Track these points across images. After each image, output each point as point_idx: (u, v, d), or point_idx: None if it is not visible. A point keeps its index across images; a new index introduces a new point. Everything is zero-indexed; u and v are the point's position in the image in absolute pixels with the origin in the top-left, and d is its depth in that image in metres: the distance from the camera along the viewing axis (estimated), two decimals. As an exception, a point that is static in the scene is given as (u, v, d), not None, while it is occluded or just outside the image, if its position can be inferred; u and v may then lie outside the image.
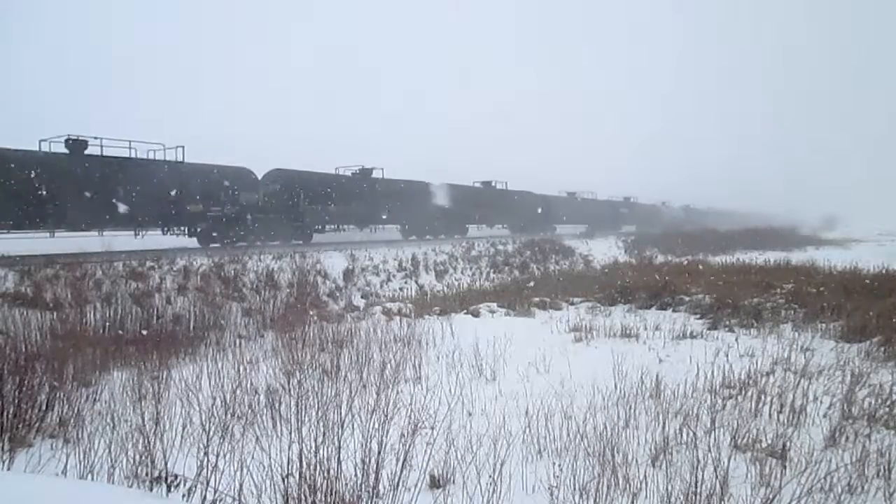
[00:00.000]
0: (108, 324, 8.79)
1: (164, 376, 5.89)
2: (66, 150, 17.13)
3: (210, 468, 3.28)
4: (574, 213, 41.81)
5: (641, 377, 5.75)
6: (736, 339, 8.01)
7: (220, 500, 3.21)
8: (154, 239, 19.43)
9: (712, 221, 52.08)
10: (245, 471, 3.26)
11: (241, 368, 6.10)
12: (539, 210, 38.09)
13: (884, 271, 13.33)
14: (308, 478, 3.11)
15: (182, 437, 4.42)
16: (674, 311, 10.59)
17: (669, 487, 3.39)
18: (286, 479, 3.15)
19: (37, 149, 16.68)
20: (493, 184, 35.81)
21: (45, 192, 15.96)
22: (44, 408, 4.75)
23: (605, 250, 28.90)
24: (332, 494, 3.11)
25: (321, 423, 3.81)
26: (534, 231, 34.75)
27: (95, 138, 17.54)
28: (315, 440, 3.29)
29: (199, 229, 20.54)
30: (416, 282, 18.72)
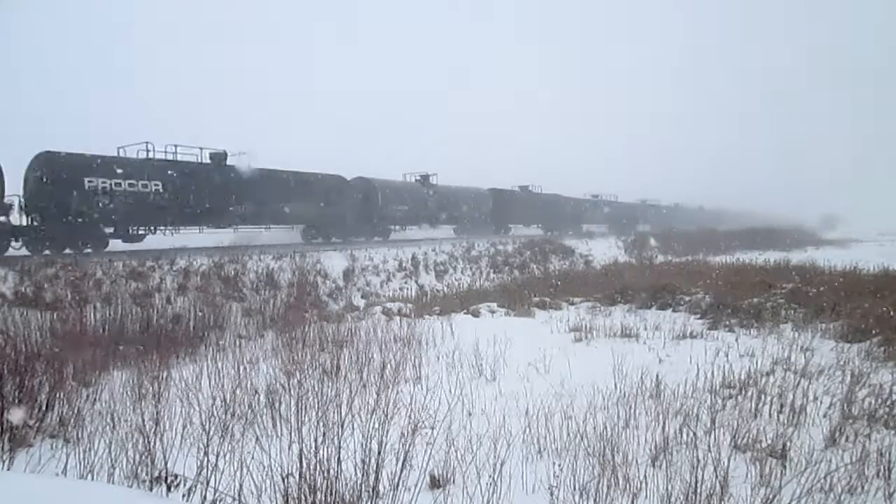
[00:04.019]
0: (108, 324, 8.78)
1: (164, 376, 5.88)
2: None
3: (210, 468, 3.29)
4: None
5: (641, 377, 5.75)
6: (736, 339, 8.01)
7: (220, 500, 3.21)
8: None
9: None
10: (245, 471, 3.26)
11: (241, 368, 6.09)
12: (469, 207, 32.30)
13: (883, 271, 13.33)
14: (308, 478, 3.11)
15: (182, 437, 4.42)
16: (674, 311, 10.59)
17: (669, 487, 3.39)
18: (286, 479, 3.15)
19: None
20: (431, 179, 30.19)
21: None
22: (44, 408, 4.75)
23: (604, 250, 28.94)
24: (332, 494, 3.11)
25: (321, 423, 3.80)
26: (479, 232, 30.55)
27: None
28: (315, 440, 3.29)
29: None
30: (416, 282, 18.74)
